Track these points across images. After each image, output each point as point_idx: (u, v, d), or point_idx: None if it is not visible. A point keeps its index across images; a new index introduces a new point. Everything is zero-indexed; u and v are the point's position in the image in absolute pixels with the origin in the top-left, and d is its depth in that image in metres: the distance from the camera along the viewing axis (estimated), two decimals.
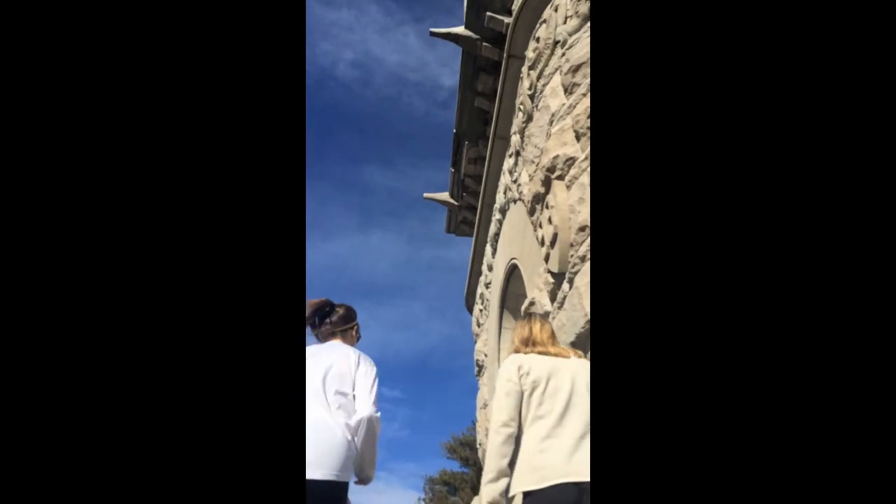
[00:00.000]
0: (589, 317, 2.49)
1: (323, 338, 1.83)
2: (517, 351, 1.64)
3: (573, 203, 2.92)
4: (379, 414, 1.64)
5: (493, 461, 1.41)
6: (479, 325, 7.31)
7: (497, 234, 6.00)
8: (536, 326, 1.69)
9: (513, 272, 5.33)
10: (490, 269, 6.48)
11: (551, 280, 3.28)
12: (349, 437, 1.53)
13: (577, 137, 3.07)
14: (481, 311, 7.14)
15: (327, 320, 1.84)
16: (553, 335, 1.71)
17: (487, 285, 6.64)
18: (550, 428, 1.41)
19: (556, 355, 1.59)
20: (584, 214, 2.79)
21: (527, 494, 1.35)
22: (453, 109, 6.57)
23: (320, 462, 1.42)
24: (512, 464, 1.44)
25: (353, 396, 1.61)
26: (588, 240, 2.73)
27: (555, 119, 3.43)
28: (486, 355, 6.58)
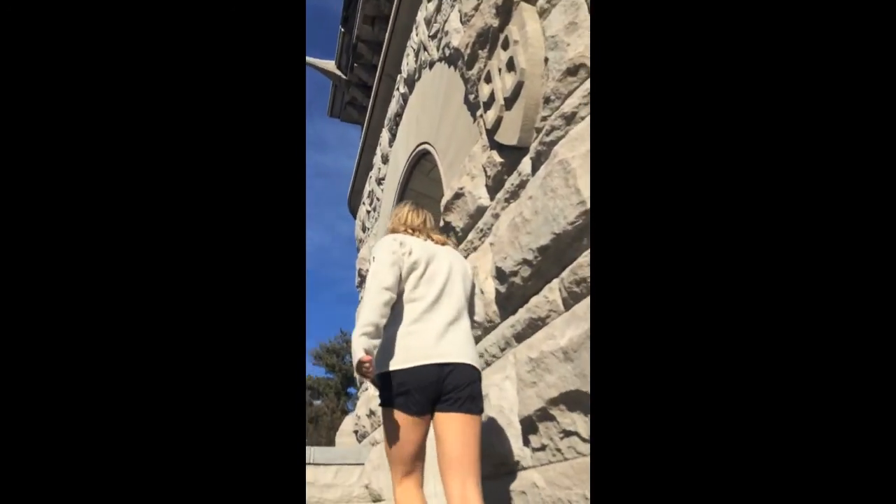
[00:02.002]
0: (586, 205, 1.52)
1: None
2: (393, 231, 1.59)
3: (556, 33, 1.82)
4: None
5: (371, 315, 1.36)
6: (364, 229, 6.14)
7: (399, 115, 4.71)
8: (412, 212, 1.63)
9: (419, 162, 4.18)
10: (385, 160, 5.22)
11: (498, 160, 2.23)
12: None
13: None
14: (369, 212, 5.95)
15: None
16: (431, 222, 1.64)
17: (381, 181, 5.42)
18: (421, 312, 1.40)
19: (434, 241, 1.56)
20: (577, 48, 1.72)
21: (390, 374, 1.35)
22: None
23: None
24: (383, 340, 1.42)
25: None
26: (582, 86, 1.69)
27: None
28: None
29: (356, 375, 1.46)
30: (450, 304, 1.43)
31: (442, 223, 2.86)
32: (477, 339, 2.40)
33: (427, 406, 1.34)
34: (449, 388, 1.34)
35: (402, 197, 4.61)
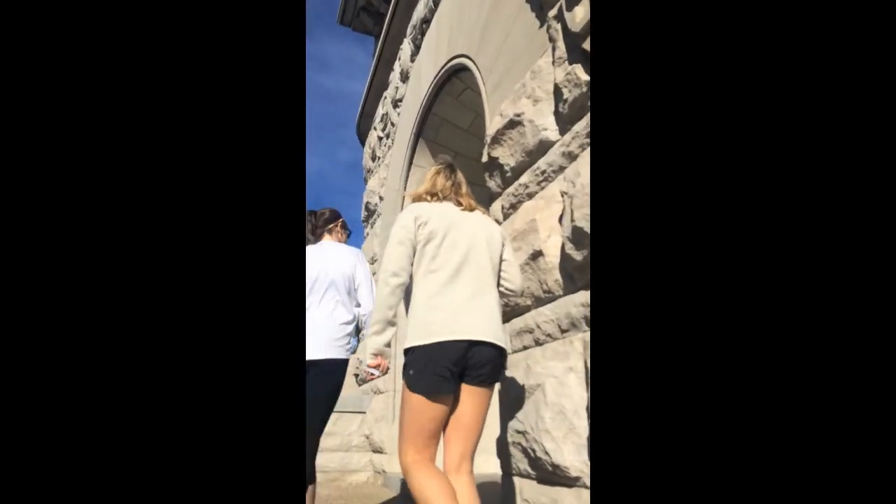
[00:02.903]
0: None
1: (317, 239, 2.04)
2: (418, 200, 1.54)
3: None
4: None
5: (379, 312, 1.37)
6: (374, 157, 5.51)
7: (427, 22, 3.94)
8: (442, 174, 1.56)
9: (449, 80, 3.50)
10: (406, 77, 4.49)
11: (583, 78, 1.62)
12: (348, 329, 1.87)
13: None
14: (381, 139, 5.29)
15: (316, 225, 2.05)
16: (462, 186, 1.56)
17: (397, 103, 4.71)
18: (442, 284, 1.36)
19: (462, 208, 1.50)
20: None
21: (412, 349, 1.32)
22: None
23: (321, 348, 1.78)
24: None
25: (355, 290, 1.94)
26: None
27: None
28: (381, 199, 4.95)
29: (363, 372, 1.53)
30: (472, 276, 1.38)
31: (486, 157, 2.29)
32: (521, 311, 1.93)
33: (451, 383, 1.30)
34: (471, 363, 1.32)
35: (423, 122, 3.96)
